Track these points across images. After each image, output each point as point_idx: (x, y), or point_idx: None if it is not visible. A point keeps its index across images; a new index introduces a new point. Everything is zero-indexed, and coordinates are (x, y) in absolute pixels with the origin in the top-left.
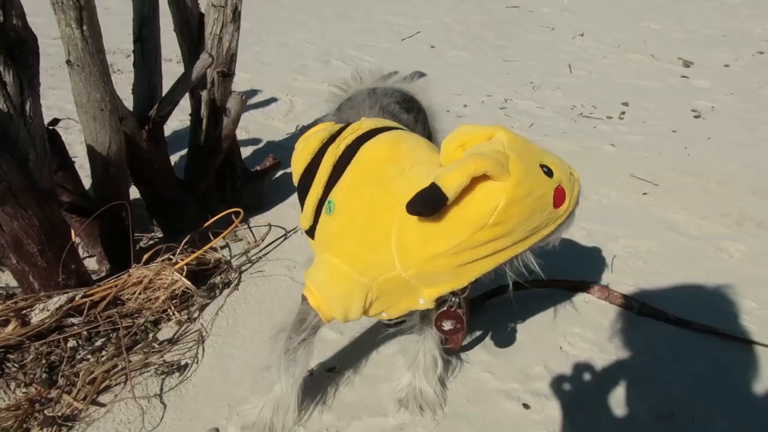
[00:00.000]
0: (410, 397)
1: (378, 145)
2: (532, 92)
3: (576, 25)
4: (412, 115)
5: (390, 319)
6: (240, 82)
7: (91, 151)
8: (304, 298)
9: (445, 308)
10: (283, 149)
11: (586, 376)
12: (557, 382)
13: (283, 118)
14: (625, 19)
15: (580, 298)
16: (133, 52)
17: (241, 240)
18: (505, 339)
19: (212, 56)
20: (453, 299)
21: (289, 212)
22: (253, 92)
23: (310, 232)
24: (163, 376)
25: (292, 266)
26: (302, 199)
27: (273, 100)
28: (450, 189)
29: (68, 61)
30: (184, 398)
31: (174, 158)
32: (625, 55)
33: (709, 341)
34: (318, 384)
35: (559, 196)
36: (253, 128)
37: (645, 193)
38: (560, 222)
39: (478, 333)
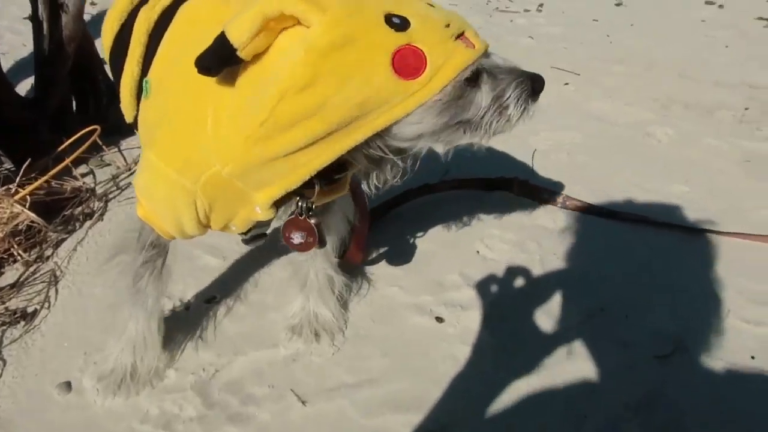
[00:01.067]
0: (304, 322)
1: (200, 3)
2: None
3: None
4: None
5: (245, 234)
6: None
7: None
8: None
9: (292, 216)
10: None
11: (507, 281)
12: (474, 290)
13: None
14: None
15: (499, 196)
16: None
17: (108, 165)
18: (415, 249)
19: None
20: (299, 205)
21: None
22: None
23: (136, 125)
24: (4, 328)
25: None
26: (117, 82)
27: None
28: (237, 36)
29: None
30: (30, 350)
31: (30, 81)
32: None
33: (642, 231)
34: (196, 318)
35: (407, 60)
36: None
37: (566, 84)
38: (421, 100)
39: (383, 245)
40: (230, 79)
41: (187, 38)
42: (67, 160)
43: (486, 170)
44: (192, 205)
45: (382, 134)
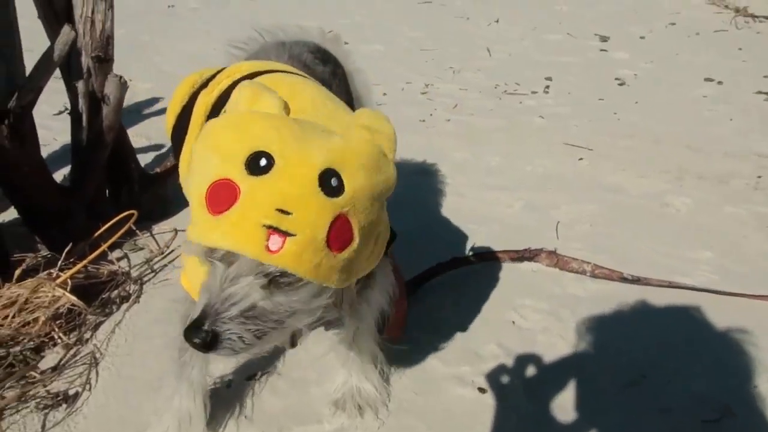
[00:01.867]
0: (347, 397)
1: None
2: (453, 76)
3: (490, 13)
4: (329, 68)
5: None
6: (141, 92)
7: None
8: None
9: None
10: None
11: (544, 350)
12: (513, 360)
13: None
14: (537, 4)
15: (528, 267)
16: None
17: (142, 249)
18: (450, 321)
19: (74, 29)
20: None
21: None
22: (155, 100)
23: None
24: (46, 411)
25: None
26: (177, 158)
27: None
28: None
29: None
30: None
31: (63, 171)
32: (542, 36)
33: (673, 298)
34: (237, 395)
35: (218, 194)
36: (155, 135)
37: (581, 159)
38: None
39: (418, 319)
40: None
41: None
42: (106, 245)
43: (511, 244)
44: None
45: None
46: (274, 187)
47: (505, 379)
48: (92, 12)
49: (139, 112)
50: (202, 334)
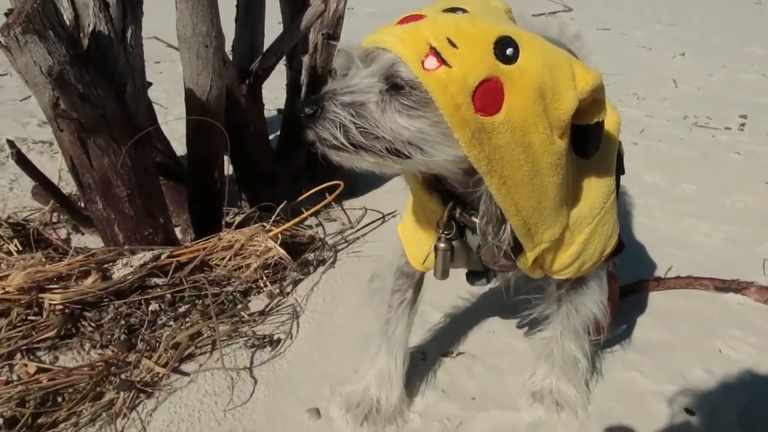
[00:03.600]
0: (545, 392)
1: None
2: (637, 102)
3: (674, 47)
4: None
5: (468, 271)
6: None
7: (189, 95)
8: None
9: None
10: None
11: (761, 385)
12: (724, 389)
13: None
14: (725, 43)
15: (733, 299)
16: (237, 6)
17: (334, 221)
18: (651, 337)
19: (325, 2)
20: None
21: (384, 197)
22: None
23: None
24: (253, 350)
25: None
26: None
27: None
28: None
29: None
30: (278, 374)
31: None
32: (733, 75)
33: None
34: (432, 369)
35: (407, 18)
36: None
37: None
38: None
39: (618, 329)
40: None
41: None
42: (315, 208)
43: (712, 274)
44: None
45: None
46: (455, 19)
47: (716, 406)
48: None
49: None
50: (312, 105)
